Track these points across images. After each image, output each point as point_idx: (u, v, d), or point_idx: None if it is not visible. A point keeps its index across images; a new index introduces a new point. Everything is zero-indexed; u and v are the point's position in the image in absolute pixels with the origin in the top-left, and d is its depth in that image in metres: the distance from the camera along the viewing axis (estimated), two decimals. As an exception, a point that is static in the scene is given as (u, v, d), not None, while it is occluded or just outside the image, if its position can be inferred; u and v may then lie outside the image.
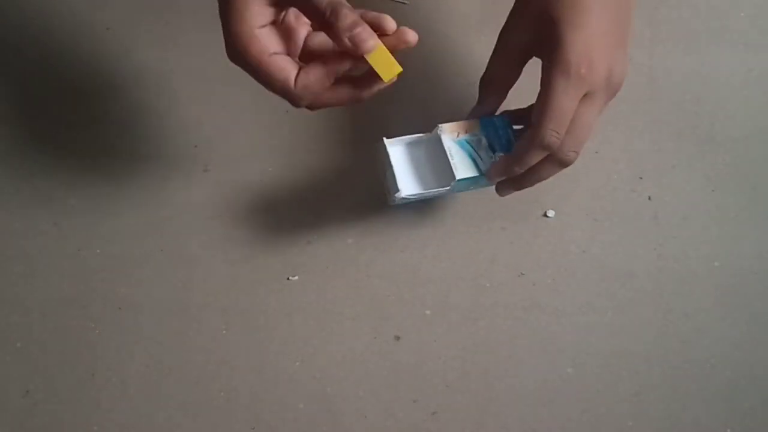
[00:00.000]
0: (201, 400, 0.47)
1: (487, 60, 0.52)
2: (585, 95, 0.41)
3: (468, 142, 0.46)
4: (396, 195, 0.44)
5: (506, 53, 0.46)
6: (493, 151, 0.45)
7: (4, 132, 0.54)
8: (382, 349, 0.48)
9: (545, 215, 0.51)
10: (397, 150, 0.46)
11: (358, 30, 0.38)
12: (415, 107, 0.53)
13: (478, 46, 0.55)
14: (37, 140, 0.54)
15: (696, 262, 0.49)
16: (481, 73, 0.53)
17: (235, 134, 0.54)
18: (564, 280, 0.49)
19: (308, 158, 0.53)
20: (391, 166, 0.45)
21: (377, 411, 0.46)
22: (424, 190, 0.45)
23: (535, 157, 0.43)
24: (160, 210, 0.51)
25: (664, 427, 0.46)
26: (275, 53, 0.39)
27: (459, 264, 0.50)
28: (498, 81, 0.47)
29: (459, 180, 0.44)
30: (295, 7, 0.39)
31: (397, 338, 0.48)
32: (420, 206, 0.51)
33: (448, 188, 0.45)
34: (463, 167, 0.45)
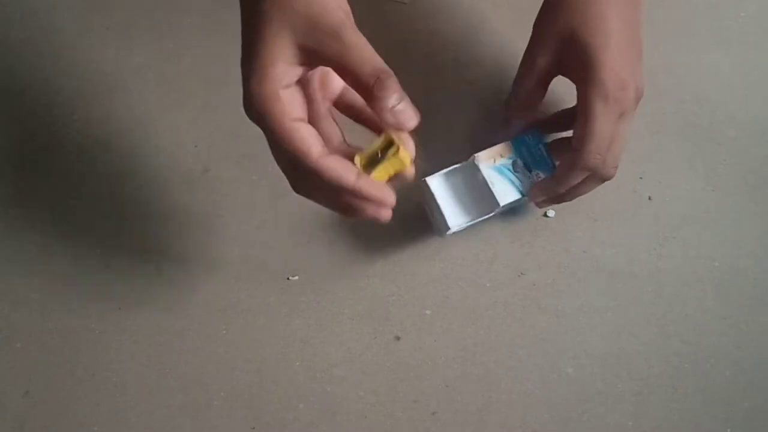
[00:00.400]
0: (201, 400, 0.47)
1: (484, 58, 0.52)
2: (621, 114, 0.42)
3: (505, 167, 0.47)
4: (447, 232, 0.47)
5: (532, 74, 0.46)
6: (530, 170, 0.47)
7: (3, 131, 0.54)
8: (382, 349, 0.48)
9: (545, 215, 0.51)
10: (438, 184, 0.47)
11: (403, 105, 0.35)
12: (415, 106, 0.53)
13: (478, 46, 0.55)
14: (36, 140, 0.54)
15: (696, 262, 0.49)
16: (479, 72, 0.54)
17: (235, 134, 0.54)
18: (564, 280, 0.49)
19: (308, 158, 0.53)
20: (437, 203, 0.47)
21: (377, 411, 0.46)
22: (471, 220, 0.47)
23: (578, 178, 0.43)
24: (160, 210, 0.51)
25: (664, 427, 0.46)
26: (297, 119, 0.35)
27: (459, 264, 0.50)
28: (525, 102, 0.47)
29: (504, 205, 0.46)
30: (334, 71, 0.35)
31: (397, 338, 0.48)
32: (419, 207, 0.51)
33: (493, 213, 0.47)
34: (504, 193, 0.46)
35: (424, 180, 0.47)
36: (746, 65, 0.54)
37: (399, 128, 0.35)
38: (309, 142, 0.35)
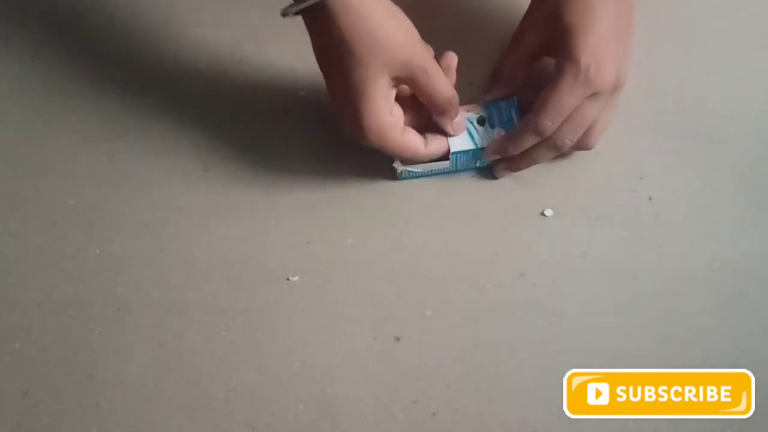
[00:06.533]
0: (201, 400, 0.47)
1: (484, 60, 0.52)
2: (591, 94, 0.44)
3: (468, 120, 0.49)
4: (393, 165, 0.49)
5: (519, 52, 0.49)
6: (492, 126, 0.48)
7: (3, 131, 0.54)
8: (382, 350, 0.48)
9: (542, 214, 0.51)
10: None
11: (459, 118, 0.48)
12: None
13: (478, 46, 0.55)
14: (36, 140, 0.54)
15: (696, 262, 0.49)
16: (479, 72, 0.54)
17: (235, 134, 0.54)
18: (564, 281, 0.49)
19: (308, 158, 0.53)
20: None
21: (377, 412, 0.46)
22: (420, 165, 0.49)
23: (529, 141, 0.47)
24: (160, 210, 0.51)
25: (664, 427, 0.45)
26: (404, 129, 0.46)
27: (459, 264, 0.50)
28: (508, 76, 0.50)
29: (455, 153, 0.48)
30: (415, 91, 0.45)
31: (397, 339, 0.48)
32: (420, 207, 0.51)
33: (447, 162, 0.49)
34: (459, 142, 0.48)
35: None
36: (746, 65, 0.54)
37: (453, 135, 0.48)
38: (417, 143, 0.47)
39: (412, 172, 0.50)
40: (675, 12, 0.56)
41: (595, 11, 0.44)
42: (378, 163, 0.52)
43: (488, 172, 0.51)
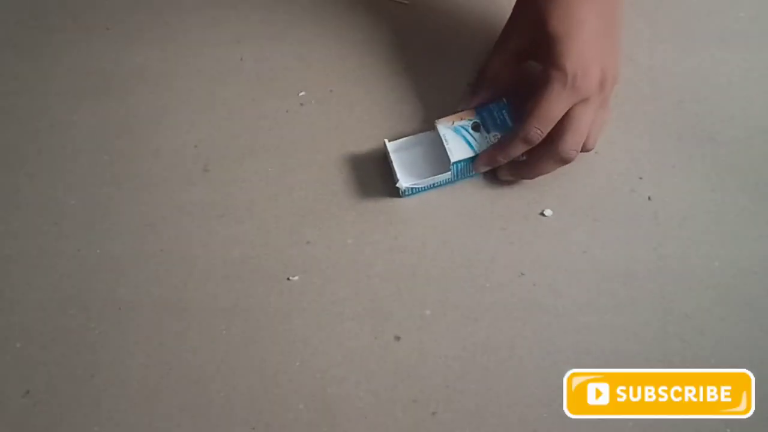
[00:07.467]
0: (201, 400, 0.47)
1: (484, 58, 0.52)
2: (581, 100, 0.44)
3: (463, 127, 0.49)
4: (396, 186, 0.48)
5: (504, 55, 0.50)
6: (488, 131, 0.48)
7: (4, 131, 0.54)
8: (382, 349, 0.48)
9: (542, 214, 0.51)
10: (396, 147, 0.50)
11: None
12: (414, 107, 0.53)
13: (476, 46, 0.55)
14: (37, 140, 0.54)
15: (696, 262, 0.49)
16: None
17: (235, 134, 0.54)
18: (564, 280, 0.49)
19: (308, 158, 0.53)
20: (391, 162, 0.49)
21: (377, 411, 0.46)
22: (423, 178, 0.49)
23: (518, 150, 0.47)
24: (160, 210, 0.51)
25: (664, 427, 0.45)
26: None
27: (459, 264, 0.50)
28: (493, 77, 0.50)
29: (455, 162, 0.48)
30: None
31: (397, 338, 0.48)
32: (419, 207, 0.51)
33: (449, 173, 0.49)
34: (458, 150, 0.48)
35: (384, 141, 0.50)
36: (746, 65, 0.54)
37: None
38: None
39: (415, 188, 0.50)
40: (675, 12, 0.56)
41: (577, 16, 0.44)
42: (378, 163, 0.52)
43: (490, 174, 0.51)
